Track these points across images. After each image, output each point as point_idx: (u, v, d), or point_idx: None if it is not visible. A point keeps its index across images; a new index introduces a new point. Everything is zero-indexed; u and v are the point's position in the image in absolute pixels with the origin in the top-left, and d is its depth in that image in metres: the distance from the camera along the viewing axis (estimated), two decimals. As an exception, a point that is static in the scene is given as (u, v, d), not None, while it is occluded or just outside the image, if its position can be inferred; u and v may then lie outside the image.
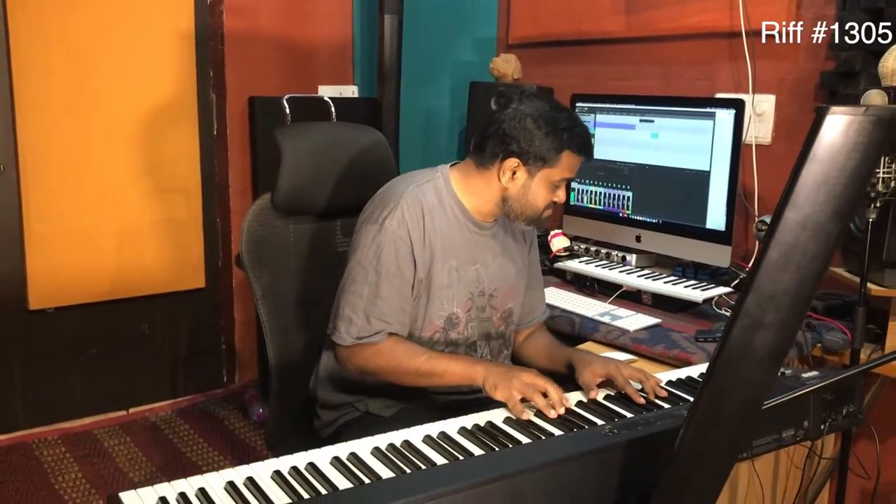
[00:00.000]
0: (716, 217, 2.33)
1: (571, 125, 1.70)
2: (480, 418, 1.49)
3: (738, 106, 2.26)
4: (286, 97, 3.25)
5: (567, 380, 1.76)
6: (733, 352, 1.12)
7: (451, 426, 1.45)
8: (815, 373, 1.77)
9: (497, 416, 1.51)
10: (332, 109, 3.31)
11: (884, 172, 1.72)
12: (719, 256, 2.33)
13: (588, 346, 2.15)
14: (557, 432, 1.45)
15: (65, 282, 3.20)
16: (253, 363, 3.74)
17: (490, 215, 1.79)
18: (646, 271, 2.49)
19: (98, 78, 3.15)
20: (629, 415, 1.54)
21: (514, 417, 1.50)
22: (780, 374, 1.78)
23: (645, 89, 2.93)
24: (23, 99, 3.00)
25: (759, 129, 2.56)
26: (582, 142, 1.71)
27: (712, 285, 2.31)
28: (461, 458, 1.35)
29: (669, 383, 1.70)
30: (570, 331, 2.21)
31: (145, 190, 3.33)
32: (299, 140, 1.91)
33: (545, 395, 1.53)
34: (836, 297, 2.32)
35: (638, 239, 2.56)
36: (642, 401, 1.58)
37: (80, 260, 3.21)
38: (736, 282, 2.36)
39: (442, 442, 1.40)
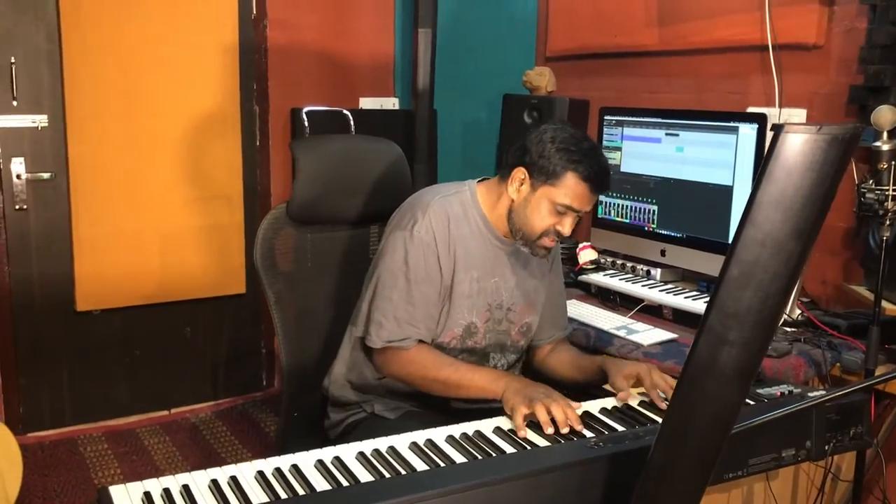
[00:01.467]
0: (738, 232, 2.30)
1: (588, 153, 1.71)
2: (469, 427, 1.51)
3: (761, 121, 2.23)
4: (306, 110, 3.32)
5: (598, 389, 1.81)
6: (698, 369, 1.12)
7: (439, 434, 1.48)
8: (821, 392, 1.74)
9: (487, 427, 1.53)
10: (352, 122, 3.36)
11: (894, 189, 1.68)
12: (741, 272, 2.30)
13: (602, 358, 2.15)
14: (543, 443, 1.46)
15: (111, 285, 3.33)
16: (291, 368, 3.82)
17: (509, 232, 1.83)
18: (670, 286, 2.47)
19: (146, 89, 3.28)
20: (619, 427, 1.54)
21: (504, 427, 1.52)
22: (787, 392, 1.76)
23: (678, 102, 2.91)
24: (74, 110, 3.15)
25: (790, 143, 2.51)
26: (591, 170, 1.70)
27: (734, 301, 2.28)
28: (442, 464, 1.37)
29: (669, 399, 1.69)
30: (585, 343, 2.21)
31: (189, 197, 3.45)
32: (314, 152, 1.96)
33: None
34: (861, 316, 2.26)
35: (663, 253, 2.54)
36: (664, 406, 1.61)
37: (126, 264, 3.34)
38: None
39: (427, 449, 1.42)
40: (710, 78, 2.81)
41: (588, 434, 1.51)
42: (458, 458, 1.39)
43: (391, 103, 3.85)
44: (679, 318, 2.33)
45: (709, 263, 2.40)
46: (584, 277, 2.61)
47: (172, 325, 3.56)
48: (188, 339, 3.60)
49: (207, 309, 3.61)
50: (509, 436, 1.49)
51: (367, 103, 3.71)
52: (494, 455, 1.41)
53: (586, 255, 2.76)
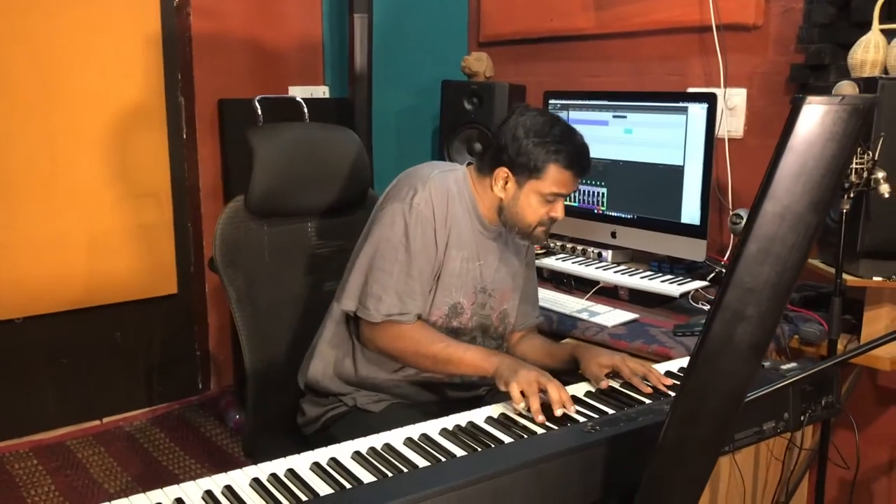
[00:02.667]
0: (690, 211, 2.34)
1: (563, 139, 1.71)
2: (462, 418, 1.48)
3: (711, 100, 2.27)
4: (258, 98, 3.21)
5: (569, 375, 1.77)
6: (714, 346, 1.11)
7: (433, 427, 1.44)
8: (793, 364, 1.77)
9: (479, 416, 1.49)
10: (305, 110, 3.28)
11: (856, 163, 1.73)
12: (695, 250, 2.34)
13: (566, 342, 2.15)
14: (540, 431, 1.44)
15: (33, 291, 3.13)
16: (228, 369, 3.70)
17: (493, 220, 1.81)
18: (622, 267, 2.49)
19: (63, 82, 3.08)
20: (609, 410, 1.54)
21: (494, 416, 1.49)
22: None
23: (617, 85, 2.93)
24: (-15, 105, 2.94)
25: (731, 122, 2.57)
26: (571, 157, 1.71)
27: (689, 279, 2.32)
28: (443, 459, 1.33)
29: (650, 378, 1.70)
30: (547, 328, 2.20)
31: (114, 195, 3.28)
32: (272, 141, 1.88)
33: (544, 393, 1.52)
34: (812, 288, 2.33)
35: (613, 235, 2.56)
36: (649, 389, 1.61)
37: (49, 268, 3.15)
38: (712, 275, 2.37)
39: (423, 444, 1.38)
40: (649, 60, 2.85)
41: (580, 418, 1.50)
42: (458, 452, 1.35)
43: (321, 91, 3.75)
44: (635, 298, 2.35)
45: (660, 243, 2.43)
46: (536, 262, 2.60)
47: (101, 331, 3.38)
48: (118, 345, 3.43)
49: (138, 312, 3.44)
50: (503, 424, 1.46)
51: (296, 92, 3.60)
52: (493, 446, 1.38)
53: (535, 239, 2.75)
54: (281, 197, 1.88)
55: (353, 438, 1.41)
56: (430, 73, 3.49)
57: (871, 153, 1.70)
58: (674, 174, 2.36)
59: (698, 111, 2.29)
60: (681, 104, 2.33)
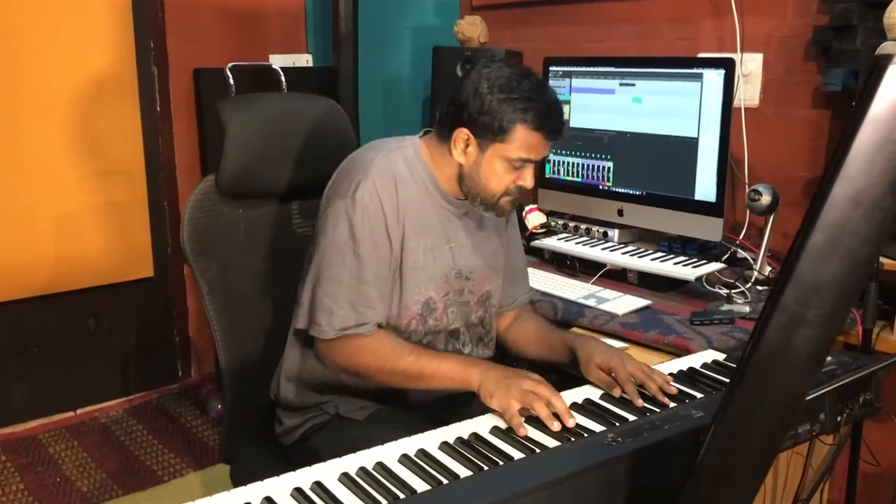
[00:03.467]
0: (705, 187, 2.16)
1: (533, 95, 1.48)
2: (464, 429, 1.30)
3: (728, 65, 2.07)
4: (230, 66, 2.98)
5: (567, 368, 1.60)
6: (768, 354, 0.94)
7: (431, 441, 1.26)
8: (830, 358, 1.61)
9: (483, 426, 1.32)
10: (283, 79, 3.06)
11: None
12: (710, 229, 2.16)
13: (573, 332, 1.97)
14: (552, 443, 1.26)
15: (-2, 276, 2.94)
16: (209, 355, 3.51)
17: (460, 193, 1.60)
18: (630, 248, 2.31)
19: (26, 51, 2.86)
20: (631, 417, 1.36)
21: (501, 426, 1.32)
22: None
23: (621, 51, 2.73)
24: (-61, 76, 2.72)
25: (747, 90, 2.38)
26: (541, 116, 1.48)
27: (703, 261, 2.14)
28: (445, 480, 1.15)
29: (671, 377, 1.52)
30: (552, 316, 2.02)
31: (84, 172, 3.06)
32: (246, 113, 1.68)
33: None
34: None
35: (620, 213, 2.37)
36: (641, 403, 1.40)
37: (14, 250, 2.94)
38: (726, 256, 2.19)
39: (421, 461, 1.20)
40: (656, 23, 2.64)
41: (595, 427, 1.32)
42: (461, 471, 1.18)
43: (304, 60, 3.53)
44: (645, 281, 2.18)
45: (671, 221, 2.25)
46: (536, 243, 2.42)
47: (73, 317, 3.18)
48: (92, 331, 3.23)
49: (111, 296, 3.24)
50: (510, 436, 1.29)
51: (277, 61, 3.38)
52: (501, 463, 1.20)
53: (534, 218, 2.56)
54: (256, 176, 1.68)
55: (335, 451, 1.24)
56: (420, 40, 3.28)
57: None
58: (687, 147, 2.17)
59: (714, 78, 2.09)
60: (695, 70, 2.13)
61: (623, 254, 2.24)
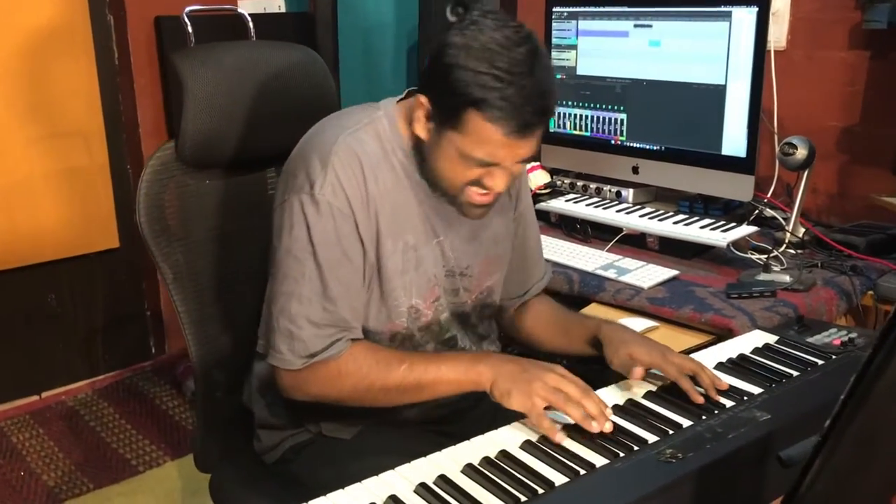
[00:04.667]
0: (734, 141, 1.92)
1: (507, 74, 1.11)
2: (489, 446, 1.08)
3: (762, 2, 1.82)
4: (188, 11, 2.66)
5: (591, 360, 1.37)
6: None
7: (451, 463, 1.04)
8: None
9: (510, 440, 1.09)
10: (251, 27, 2.75)
11: None
12: (740, 188, 1.93)
13: (593, 308, 1.75)
14: (597, 459, 1.04)
15: (-56, 252, 2.66)
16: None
17: None
18: (647, 209, 2.08)
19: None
20: (682, 421, 1.14)
21: (533, 439, 1.09)
22: (847, 339, 1.41)
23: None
24: None
25: (773, 31, 2.12)
26: (505, 105, 1.12)
27: (731, 223, 1.92)
28: (474, 520, 0.93)
29: (720, 367, 1.31)
30: (567, 290, 1.80)
31: (35, 135, 2.77)
32: (207, 66, 1.40)
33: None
34: (876, 229, 1.95)
35: (635, 170, 2.14)
36: (701, 399, 1.18)
37: (-39, 225, 2.67)
38: (752, 216, 1.97)
39: (445, 492, 0.97)
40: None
41: (639, 433, 1.10)
42: (491, 502, 0.96)
43: (276, 5, 3.23)
44: (666, 247, 1.95)
45: (694, 179, 2.02)
46: (541, 205, 2.17)
47: (32, 294, 2.91)
48: (54, 308, 2.97)
49: (74, 270, 2.98)
50: (545, 452, 1.06)
51: (247, 6, 3.07)
52: (541, 490, 0.98)
53: (538, 177, 2.33)
54: (223, 140, 1.42)
55: (322, 477, 1.07)
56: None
57: None
58: (713, 95, 1.93)
59: (745, 16, 1.84)
60: (723, 8, 1.88)
61: (641, 216, 2.02)
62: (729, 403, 1.18)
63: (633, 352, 1.26)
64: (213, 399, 1.48)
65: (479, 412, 1.34)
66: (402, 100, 1.32)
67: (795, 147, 1.90)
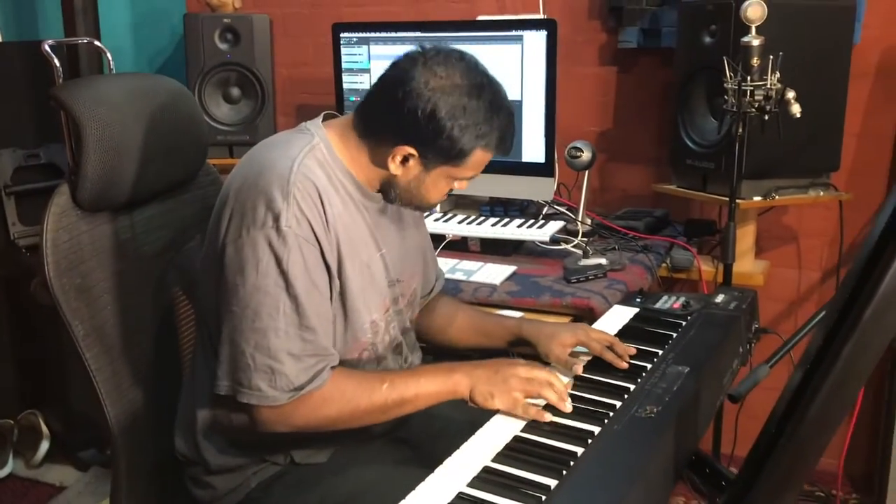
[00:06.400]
0: (533, 149, 2.19)
1: (492, 113, 1.28)
2: (501, 435, 1.17)
3: (550, 27, 2.11)
4: (48, 44, 2.13)
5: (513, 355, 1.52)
6: (883, 304, 0.97)
7: (479, 457, 1.12)
8: (722, 297, 1.73)
9: (511, 428, 1.20)
10: (110, 59, 2.33)
11: (758, 84, 1.70)
12: (541, 190, 2.21)
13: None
14: (594, 428, 1.19)
15: None
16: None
17: (375, 186, 1.38)
18: (459, 215, 2.27)
19: None
20: (628, 385, 1.34)
21: (524, 421, 1.22)
22: (685, 302, 1.71)
23: (389, 15, 2.64)
24: None
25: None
26: (501, 137, 1.32)
27: (539, 221, 2.19)
28: (540, 496, 1.03)
29: (619, 336, 1.53)
30: (425, 297, 1.92)
31: None
32: (102, 103, 1.30)
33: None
34: (644, 214, 2.35)
35: (440, 182, 2.31)
36: (625, 365, 1.39)
37: None
38: (542, 214, 2.26)
39: (493, 478, 1.06)
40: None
41: (610, 401, 1.28)
42: (542, 479, 1.06)
43: None
44: (487, 248, 2.16)
45: (495, 185, 2.24)
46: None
47: None
48: None
49: None
50: (547, 431, 1.19)
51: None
52: (572, 462, 1.10)
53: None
54: (122, 179, 1.32)
55: (306, 501, 1.12)
56: (141, 6, 2.85)
57: (776, 73, 1.68)
58: (511, 110, 2.18)
59: (536, 39, 2.12)
60: (514, 32, 2.14)
61: (460, 223, 2.20)
62: (648, 365, 1.41)
63: (562, 340, 1.43)
64: (134, 458, 1.37)
65: (450, 408, 1.41)
66: (327, 121, 1.38)
67: (581, 150, 2.21)
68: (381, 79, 1.34)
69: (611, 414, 1.24)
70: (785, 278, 2.36)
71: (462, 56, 1.31)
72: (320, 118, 1.38)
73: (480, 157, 1.32)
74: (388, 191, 1.37)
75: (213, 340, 1.28)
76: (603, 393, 1.31)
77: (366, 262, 1.34)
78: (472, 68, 1.31)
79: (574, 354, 1.45)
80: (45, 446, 2.59)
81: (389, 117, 1.29)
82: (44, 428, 2.60)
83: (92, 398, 1.32)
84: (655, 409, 1.22)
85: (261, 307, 1.20)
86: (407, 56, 1.31)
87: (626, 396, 1.29)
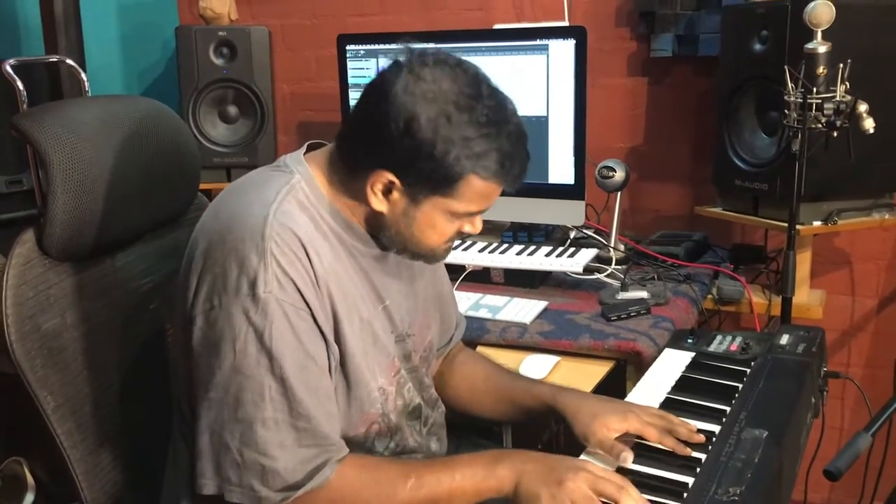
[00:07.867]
0: (561, 169, 1.99)
1: (491, 128, 1.03)
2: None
3: (579, 35, 1.91)
4: (10, 63, 1.92)
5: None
6: None
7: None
8: (787, 337, 1.52)
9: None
10: (85, 81, 2.12)
11: (826, 97, 1.50)
12: (571, 214, 2.00)
13: (481, 352, 1.68)
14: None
15: None
16: None
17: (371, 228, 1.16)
18: (480, 243, 2.07)
19: None
20: (697, 455, 1.13)
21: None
22: (744, 345, 1.50)
23: (401, 25, 2.45)
24: None
25: (557, 62, 2.25)
26: (502, 162, 1.05)
27: (569, 249, 1.98)
28: None
29: (675, 390, 1.33)
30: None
31: None
32: (70, 131, 1.10)
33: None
34: (682, 238, 2.14)
35: (457, 206, 2.11)
36: (689, 452, 1.14)
37: None
38: (571, 239, 2.06)
39: None
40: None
41: (680, 478, 1.08)
42: None
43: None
44: (512, 279, 1.96)
45: (520, 210, 2.05)
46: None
47: None
48: None
49: None
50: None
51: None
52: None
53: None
54: (94, 222, 1.12)
55: None
56: (131, 18, 2.66)
57: (845, 84, 1.47)
58: (537, 127, 1.98)
59: (564, 49, 1.92)
60: (540, 41, 1.94)
61: (481, 252, 2.00)
62: (717, 428, 1.20)
63: (606, 422, 1.17)
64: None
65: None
66: (309, 153, 1.15)
67: (614, 170, 2.02)
68: (364, 89, 1.11)
69: (685, 495, 1.03)
70: (837, 306, 2.15)
71: (460, 62, 1.07)
72: (302, 150, 1.15)
73: (478, 186, 1.06)
74: (378, 235, 1.14)
75: (189, 425, 1.07)
76: (669, 466, 1.11)
77: (366, 320, 1.13)
78: (470, 76, 1.06)
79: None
80: (29, 498, 2.38)
81: (364, 135, 1.07)
82: (29, 478, 2.39)
83: (68, 480, 1.12)
84: (739, 490, 1.02)
85: (242, 393, 0.99)
86: (395, 60, 1.08)
87: (697, 470, 1.09)
